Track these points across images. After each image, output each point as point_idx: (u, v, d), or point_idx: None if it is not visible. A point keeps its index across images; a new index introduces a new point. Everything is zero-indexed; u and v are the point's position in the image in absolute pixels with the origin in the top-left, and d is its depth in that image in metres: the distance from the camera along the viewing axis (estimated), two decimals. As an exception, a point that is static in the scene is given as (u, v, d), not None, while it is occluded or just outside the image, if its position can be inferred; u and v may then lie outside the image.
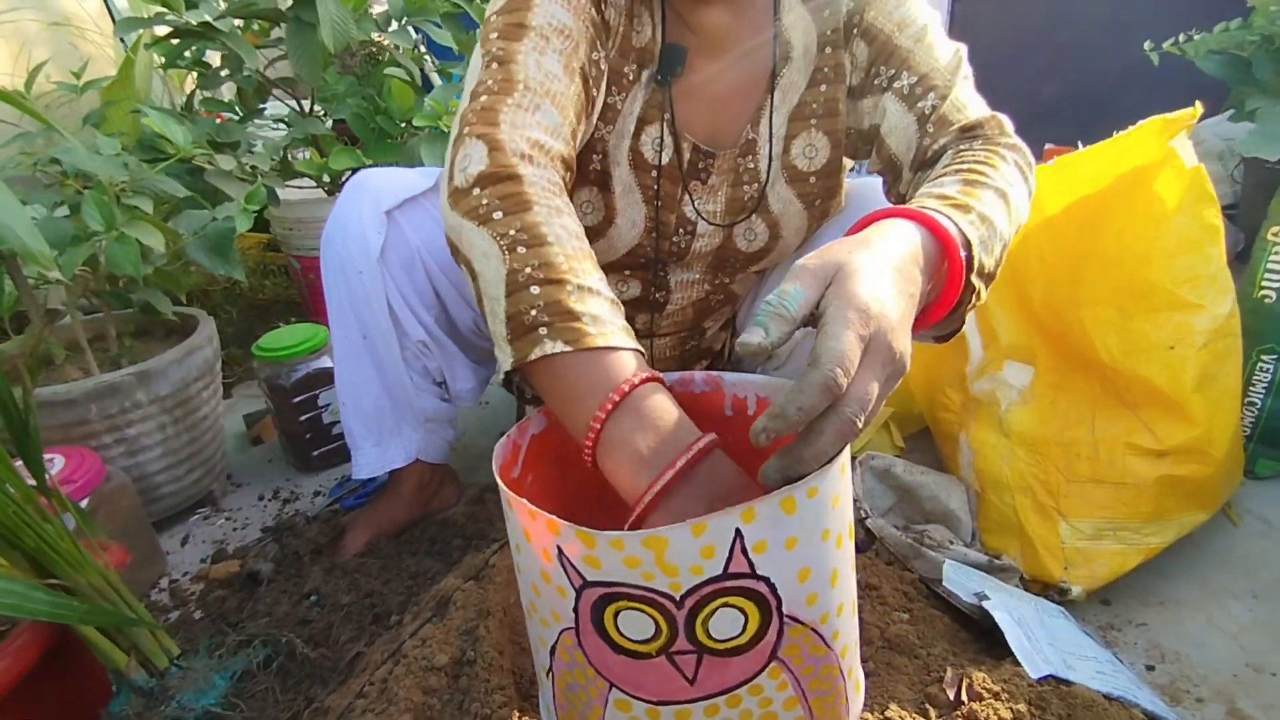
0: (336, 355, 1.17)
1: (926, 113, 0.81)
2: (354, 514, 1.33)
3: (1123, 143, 1.07)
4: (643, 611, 0.50)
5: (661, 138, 0.92)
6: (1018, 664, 0.80)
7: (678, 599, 0.50)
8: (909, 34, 0.84)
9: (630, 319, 1.07)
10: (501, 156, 0.65)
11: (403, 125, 1.71)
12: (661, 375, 0.59)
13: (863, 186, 1.04)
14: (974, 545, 1.14)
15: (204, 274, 1.75)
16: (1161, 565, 1.08)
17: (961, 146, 0.76)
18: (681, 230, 0.98)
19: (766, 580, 0.50)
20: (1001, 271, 1.18)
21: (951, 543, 1.07)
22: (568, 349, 0.56)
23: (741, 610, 0.51)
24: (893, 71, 0.84)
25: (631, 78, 0.89)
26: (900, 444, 1.43)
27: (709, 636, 0.51)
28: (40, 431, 0.85)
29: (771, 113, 0.92)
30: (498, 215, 0.62)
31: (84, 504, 1.14)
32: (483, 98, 0.70)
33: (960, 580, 0.92)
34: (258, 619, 1.09)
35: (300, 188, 1.83)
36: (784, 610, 0.52)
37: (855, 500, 1.09)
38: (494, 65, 0.72)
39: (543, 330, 0.57)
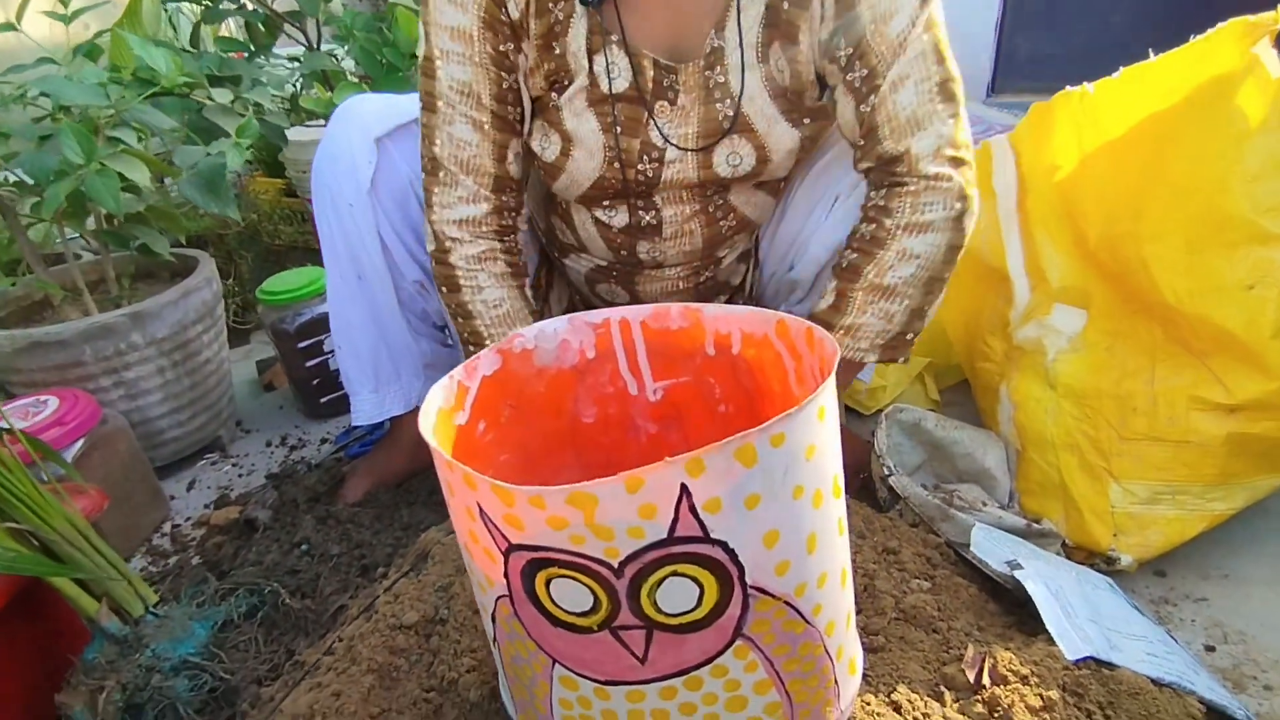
0: (330, 296, 1.11)
1: (863, 118, 0.83)
2: (355, 462, 1.29)
3: (1197, 49, 0.92)
4: (577, 580, 0.43)
5: (608, 61, 0.85)
6: (1052, 643, 0.70)
7: (615, 566, 0.42)
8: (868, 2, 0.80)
9: (632, 249, 0.99)
10: (437, 245, 0.93)
11: (411, 57, 1.62)
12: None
13: None
14: (1011, 507, 1.04)
15: (217, 218, 1.72)
16: (1226, 535, 0.96)
17: (867, 207, 0.87)
18: (647, 158, 0.90)
19: (723, 545, 0.42)
20: (1052, 205, 1.06)
21: (985, 504, 0.97)
22: None
23: (695, 580, 0.43)
24: (850, 50, 0.81)
25: (562, 16, 0.84)
26: (935, 397, 1.32)
27: (658, 610, 0.43)
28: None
29: (739, 14, 0.83)
30: (444, 289, 0.94)
31: (78, 446, 1.12)
32: (424, 177, 0.92)
33: (990, 546, 0.82)
34: (248, 567, 1.06)
35: (310, 127, 1.77)
36: (747, 580, 0.43)
37: (879, 456, 0.99)
38: (424, 141, 0.90)
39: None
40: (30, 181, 1.14)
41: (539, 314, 0.98)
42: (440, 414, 0.53)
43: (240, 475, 1.37)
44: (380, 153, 1.00)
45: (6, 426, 0.86)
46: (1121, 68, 1.01)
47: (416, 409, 1.18)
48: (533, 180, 1.05)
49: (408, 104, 1.04)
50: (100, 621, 0.85)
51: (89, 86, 1.12)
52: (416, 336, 1.14)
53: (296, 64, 1.80)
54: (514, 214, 0.95)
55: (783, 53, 0.85)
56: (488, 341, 0.92)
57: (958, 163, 0.84)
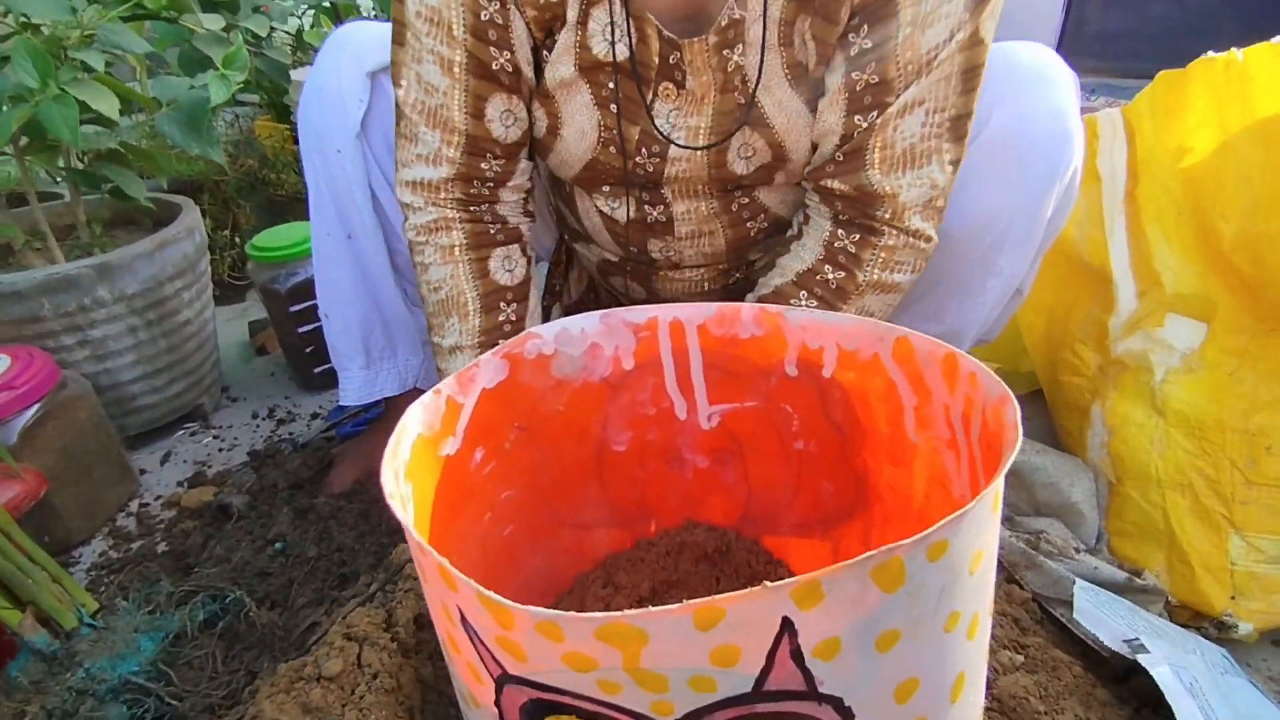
0: (316, 257, 0.96)
1: (853, 133, 0.67)
2: (345, 445, 1.15)
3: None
4: (604, 738, 0.28)
5: (611, 20, 0.67)
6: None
7: (666, 727, 0.27)
8: None
9: (643, 245, 0.83)
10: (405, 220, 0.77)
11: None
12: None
13: None
14: (1100, 550, 0.88)
15: (211, 162, 1.57)
16: (1364, 601, 0.81)
17: (834, 247, 0.72)
18: (646, 150, 0.73)
19: (835, 703, 0.27)
20: (1173, 195, 0.90)
21: (1078, 550, 0.81)
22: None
23: (785, 749, 0.28)
24: (868, 45, 0.64)
25: None
26: (1005, 408, 1.16)
27: (723, 784, 0.29)
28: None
29: None
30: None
31: (31, 412, 0.98)
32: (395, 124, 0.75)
33: (1097, 614, 0.67)
34: (213, 565, 0.93)
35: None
36: (863, 748, 0.29)
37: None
38: (393, 86, 0.73)
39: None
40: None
41: (518, 303, 0.78)
42: (419, 444, 0.38)
43: (221, 449, 1.24)
44: (375, 90, 0.84)
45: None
46: (1209, 51, 0.84)
47: (413, 390, 1.05)
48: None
49: None
50: (24, 635, 0.72)
51: (52, 0, 0.97)
52: (414, 308, 1.00)
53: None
54: (494, 185, 0.75)
55: (809, 30, 0.67)
56: (436, 342, 0.78)
57: (938, 215, 0.69)
